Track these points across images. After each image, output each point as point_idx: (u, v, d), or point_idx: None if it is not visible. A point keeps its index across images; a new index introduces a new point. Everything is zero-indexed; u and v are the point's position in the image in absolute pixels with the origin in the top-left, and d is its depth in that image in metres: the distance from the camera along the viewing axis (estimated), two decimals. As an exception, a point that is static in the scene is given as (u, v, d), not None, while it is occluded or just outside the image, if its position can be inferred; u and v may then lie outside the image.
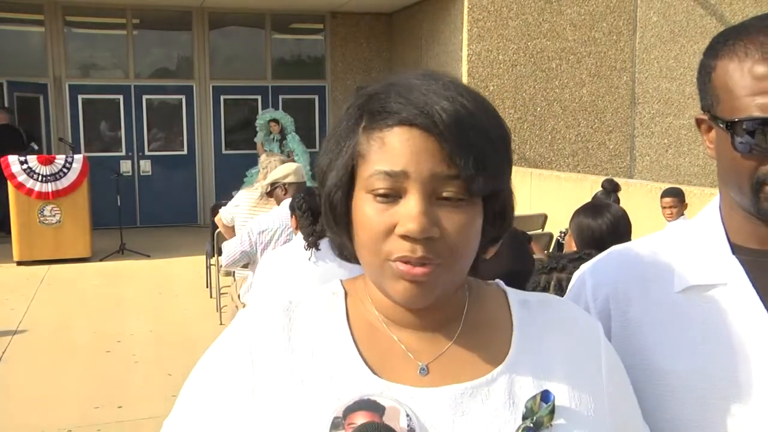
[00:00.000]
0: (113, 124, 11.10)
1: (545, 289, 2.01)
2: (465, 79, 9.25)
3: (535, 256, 3.98)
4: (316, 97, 11.75)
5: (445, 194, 0.79)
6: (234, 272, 5.41)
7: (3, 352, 5.41)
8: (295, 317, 0.88)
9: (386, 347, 0.86)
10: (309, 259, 3.10)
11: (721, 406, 0.95)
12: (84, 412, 4.29)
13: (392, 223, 0.79)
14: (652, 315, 1.02)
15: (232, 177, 10.39)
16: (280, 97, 11.56)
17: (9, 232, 8.58)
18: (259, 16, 11.38)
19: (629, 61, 10.06)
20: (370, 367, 0.83)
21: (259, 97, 11.46)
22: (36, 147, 9.73)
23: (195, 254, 8.45)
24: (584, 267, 1.12)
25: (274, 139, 10.12)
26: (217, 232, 6.10)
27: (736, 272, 0.98)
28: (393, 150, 0.79)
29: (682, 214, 5.37)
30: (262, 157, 5.91)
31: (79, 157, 8.53)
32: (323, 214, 0.88)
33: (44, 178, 8.32)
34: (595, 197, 5.73)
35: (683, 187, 5.77)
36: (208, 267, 7.26)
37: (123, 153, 11.07)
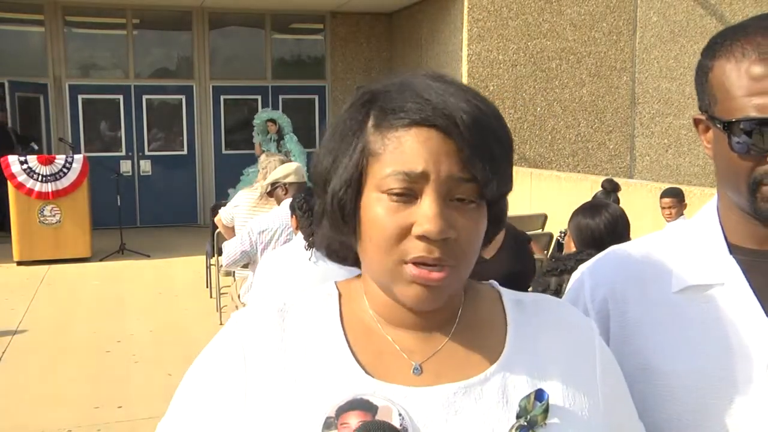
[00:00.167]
0: (113, 124, 11.10)
1: (557, 292, 2.01)
2: (465, 79, 9.25)
3: (534, 257, 3.98)
4: (316, 97, 11.76)
5: (458, 196, 0.80)
6: (234, 272, 5.42)
7: (3, 352, 5.41)
8: (288, 318, 0.88)
9: (380, 347, 0.86)
10: (309, 259, 3.10)
11: (719, 406, 0.95)
12: (84, 412, 4.29)
13: (407, 223, 0.79)
14: (650, 315, 1.02)
15: (232, 177, 10.38)
16: (280, 97, 11.56)
17: (9, 232, 8.58)
18: (259, 16, 11.38)
19: (629, 61, 10.06)
20: (363, 367, 0.83)
21: (259, 97, 11.46)
22: (36, 147, 9.73)
23: (195, 254, 8.45)
24: (582, 268, 1.13)
25: (271, 139, 10.11)
26: (217, 232, 6.10)
27: (734, 272, 0.98)
28: (412, 150, 0.79)
29: (682, 215, 5.37)
30: (262, 157, 5.91)
31: (79, 157, 8.53)
32: (328, 214, 0.86)
33: (44, 178, 8.32)
34: (595, 197, 5.73)
35: (683, 187, 5.77)
36: (208, 267, 7.26)
37: (123, 153, 11.07)
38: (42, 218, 8.38)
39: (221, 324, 5.94)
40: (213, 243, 6.45)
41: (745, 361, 0.95)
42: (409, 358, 0.85)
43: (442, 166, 0.78)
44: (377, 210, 0.80)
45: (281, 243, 4.33)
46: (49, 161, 8.39)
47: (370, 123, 0.82)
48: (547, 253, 5.71)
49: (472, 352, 0.86)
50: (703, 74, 0.98)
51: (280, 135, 10.10)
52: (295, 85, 11.65)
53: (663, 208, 5.45)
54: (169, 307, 6.74)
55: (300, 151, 9.88)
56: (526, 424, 0.80)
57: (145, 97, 11.09)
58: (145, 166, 11.16)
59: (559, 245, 5.73)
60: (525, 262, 3.51)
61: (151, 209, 11.16)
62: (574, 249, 2.74)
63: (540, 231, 6.38)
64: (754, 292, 0.96)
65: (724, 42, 0.95)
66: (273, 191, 4.74)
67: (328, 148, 0.86)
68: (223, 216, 5.46)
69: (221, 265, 5.39)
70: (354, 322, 0.88)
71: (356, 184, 0.82)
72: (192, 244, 9.15)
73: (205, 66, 11.28)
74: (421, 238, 0.78)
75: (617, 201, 5.48)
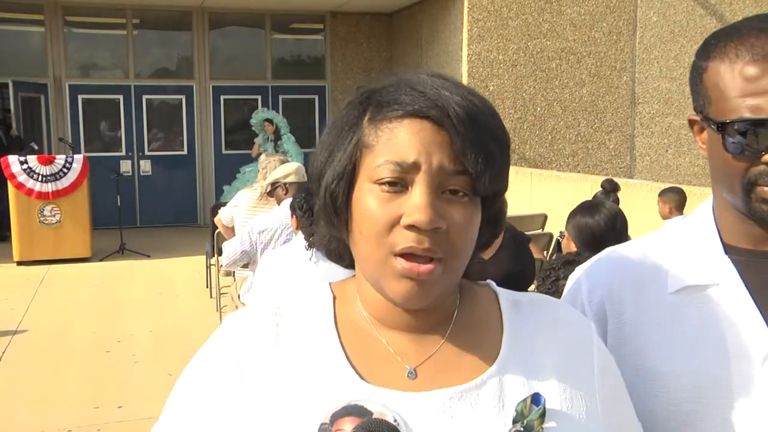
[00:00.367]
0: (113, 124, 11.10)
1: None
2: (465, 79, 9.25)
3: (534, 257, 3.98)
4: (316, 97, 11.76)
5: (450, 188, 0.79)
6: (234, 272, 5.41)
7: (3, 352, 5.41)
8: (282, 322, 0.87)
9: (374, 351, 0.85)
10: (309, 259, 3.10)
11: (716, 406, 0.96)
12: (84, 412, 4.29)
13: (397, 214, 0.78)
14: (647, 316, 1.02)
15: (231, 177, 10.38)
16: (280, 97, 11.56)
17: (9, 232, 8.58)
18: (259, 16, 11.38)
19: (629, 61, 10.06)
20: (357, 372, 0.82)
21: (259, 97, 11.46)
22: (36, 147, 9.73)
23: (195, 254, 8.45)
24: (579, 270, 1.13)
25: (268, 139, 10.11)
26: (217, 232, 6.10)
27: (729, 272, 0.99)
28: (404, 141, 0.79)
29: (681, 214, 5.37)
30: (262, 157, 5.91)
31: (79, 157, 8.53)
32: (321, 207, 0.86)
33: (44, 178, 8.32)
34: (595, 197, 5.73)
35: (683, 187, 5.77)
36: (208, 267, 7.26)
37: (123, 153, 11.07)
38: (42, 218, 8.38)
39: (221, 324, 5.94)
40: (213, 243, 6.45)
41: (741, 361, 0.95)
42: (404, 362, 0.84)
43: (434, 156, 0.78)
44: (368, 200, 0.80)
45: (281, 243, 4.33)
46: (49, 161, 8.39)
47: (366, 118, 0.83)
48: (547, 253, 5.72)
49: (468, 354, 0.85)
50: (697, 75, 0.99)
51: (277, 135, 10.10)
52: (295, 85, 11.66)
53: (664, 208, 5.44)
54: (169, 307, 6.74)
55: (297, 152, 9.88)
56: (522, 429, 0.79)
57: (145, 97, 11.09)
58: (145, 166, 11.16)
59: (559, 245, 5.73)
60: (525, 263, 3.51)
61: (151, 209, 11.16)
62: (573, 249, 2.75)
63: (540, 231, 6.38)
64: (750, 292, 0.97)
65: (718, 43, 0.96)
66: (273, 191, 4.74)
67: (325, 144, 0.86)
68: (223, 216, 5.46)
69: (221, 265, 5.39)
70: (348, 325, 0.87)
71: (349, 177, 0.82)
72: (192, 244, 9.15)
73: (205, 66, 11.29)
74: (411, 228, 0.78)
75: (617, 201, 5.47)
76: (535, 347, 0.87)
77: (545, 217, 6.83)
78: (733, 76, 0.92)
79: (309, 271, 3.08)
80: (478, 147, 0.79)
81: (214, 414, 0.83)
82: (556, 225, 6.25)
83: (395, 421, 0.79)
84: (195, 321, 6.18)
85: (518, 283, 3.15)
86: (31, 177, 8.29)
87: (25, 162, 8.26)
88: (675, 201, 5.41)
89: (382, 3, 10.97)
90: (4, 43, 10.59)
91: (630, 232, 2.97)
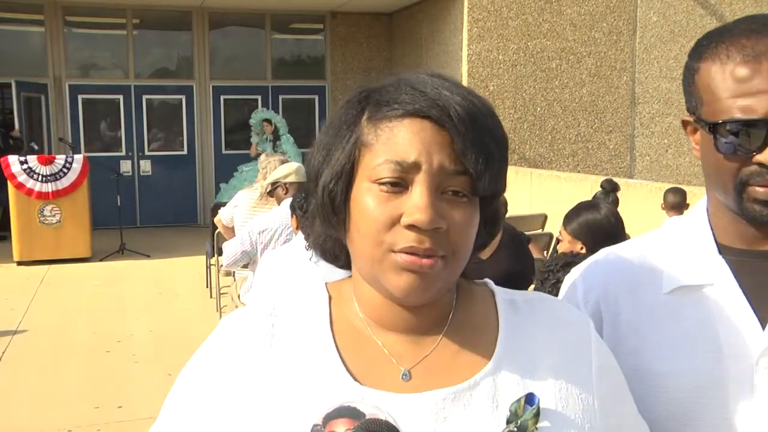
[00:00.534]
0: (113, 124, 11.10)
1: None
2: (465, 79, 9.25)
3: (534, 257, 3.98)
4: (316, 97, 11.75)
5: (450, 189, 0.79)
6: (234, 272, 5.42)
7: (3, 352, 5.41)
8: (278, 323, 0.87)
9: (369, 352, 0.85)
10: (310, 259, 3.10)
11: (711, 405, 0.96)
12: (84, 412, 4.29)
13: (397, 213, 0.78)
14: (642, 317, 1.03)
15: (231, 177, 10.39)
16: (280, 97, 11.56)
17: (9, 232, 8.58)
18: (259, 16, 11.38)
19: (629, 61, 10.06)
20: (351, 374, 0.82)
21: (259, 97, 11.46)
22: (36, 147, 9.73)
23: (195, 254, 8.45)
24: (575, 271, 1.14)
25: (267, 139, 10.11)
26: (217, 232, 6.10)
27: (723, 272, 0.99)
28: (404, 140, 0.79)
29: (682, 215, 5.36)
30: (262, 157, 5.91)
31: (79, 157, 8.53)
32: (318, 206, 0.86)
33: (44, 178, 8.32)
34: (594, 197, 5.73)
35: (683, 187, 5.77)
36: (208, 267, 7.26)
37: (123, 153, 11.07)
38: (42, 218, 8.38)
39: (221, 324, 5.94)
40: (213, 243, 6.45)
41: (735, 361, 0.96)
42: (398, 364, 0.84)
43: (434, 156, 0.78)
44: (367, 200, 0.80)
45: (281, 243, 4.33)
46: (49, 161, 8.39)
47: (365, 117, 0.83)
48: (547, 253, 5.71)
49: (463, 355, 0.85)
50: (690, 76, 1.00)
51: (276, 136, 10.10)
52: (295, 85, 11.65)
53: (666, 208, 5.44)
54: (169, 307, 6.74)
55: (295, 153, 9.88)
56: (516, 429, 0.79)
57: (145, 97, 11.09)
58: (145, 166, 11.16)
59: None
60: (524, 262, 3.51)
61: (151, 209, 11.16)
62: (578, 249, 2.75)
63: (540, 231, 6.38)
64: (744, 291, 0.97)
65: (710, 44, 0.96)
66: (273, 191, 4.74)
67: (322, 143, 0.86)
68: (223, 216, 5.46)
69: (221, 265, 5.39)
70: (343, 326, 0.87)
71: (347, 176, 0.82)
72: (192, 244, 9.15)
73: (205, 66, 11.29)
74: (411, 227, 0.77)
75: (616, 201, 5.47)
76: (532, 346, 0.87)
77: (545, 217, 6.83)
78: (724, 77, 0.93)
79: (309, 271, 3.08)
80: (478, 147, 0.79)
81: (209, 415, 0.84)
82: (556, 225, 6.25)
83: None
84: (195, 321, 6.18)
85: (518, 284, 3.15)
86: (31, 177, 8.29)
87: (25, 162, 8.26)
88: (676, 202, 5.41)
89: (382, 3, 10.97)
90: (4, 43, 10.59)
91: (630, 232, 2.97)
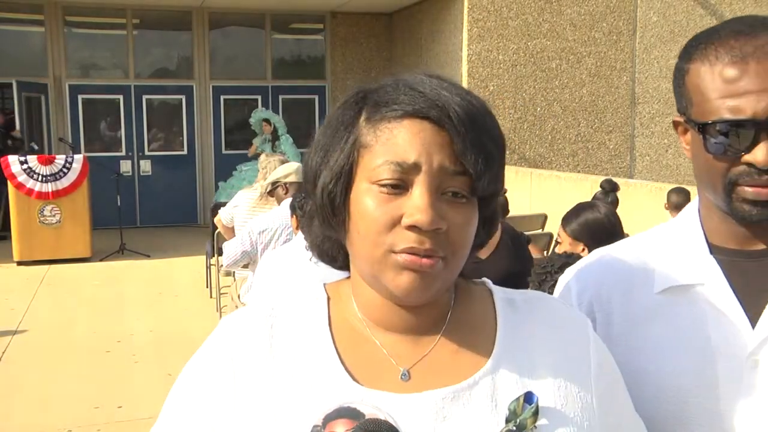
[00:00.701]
0: (113, 124, 11.10)
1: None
2: (465, 79, 9.26)
3: (534, 257, 3.98)
4: (316, 97, 11.76)
5: (449, 190, 0.79)
6: (234, 272, 5.42)
7: (3, 352, 5.41)
8: (277, 323, 0.87)
9: (368, 352, 0.85)
10: (310, 259, 3.09)
11: (702, 404, 0.97)
12: (84, 412, 4.29)
13: (397, 214, 0.78)
14: (634, 317, 1.04)
15: (231, 177, 10.38)
16: (280, 97, 11.56)
17: (9, 232, 8.58)
18: (259, 16, 11.38)
19: (629, 61, 10.06)
20: (350, 374, 0.82)
21: (259, 97, 11.46)
22: (36, 147, 9.72)
23: (195, 254, 8.46)
24: (569, 272, 1.15)
25: (266, 139, 10.11)
26: (217, 232, 6.10)
27: (714, 272, 1.00)
28: (404, 141, 0.79)
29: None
30: (262, 157, 5.92)
31: (79, 157, 8.53)
32: (317, 207, 0.86)
33: (44, 178, 8.32)
34: (594, 197, 5.73)
35: (686, 187, 5.77)
36: (208, 267, 7.26)
37: (123, 153, 11.07)
38: (42, 218, 8.38)
39: (221, 324, 5.94)
40: (213, 243, 6.45)
41: (726, 360, 0.97)
42: (397, 364, 0.84)
43: (434, 157, 0.78)
44: (367, 201, 0.79)
45: (281, 243, 4.33)
46: (49, 161, 8.39)
47: (363, 117, 0.82)
48: (547, 253, 5.72)
49: (462, 354, 0.85)
50: (680, 77, 1.01)
51: (275, 136, 10.09)
52: (295, 85, 11.66)
53: (669, 208, 5.43)
54: (169, 307, 6.75)
55: (294, 153, 9.87)
56: (515, 428, 0.79)
57: (145, 97, 11.09)
58: (145, 166, 11.16)
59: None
60: (524, 262, 3.51)
61: (151, 209, 11.16)
62: (579, 250, 2.75)
63: (540, 231, 6.38)
64: (734, 291, 0.98)
65: (699, 45, 0.97)
66: (273, 191, 4.74)
67: (320, 144, 0.85)
68: (223, 216, 5.46)
69: (221, 265, 5.39)
70: (342, 326, 0.87)
71: (347, 177, 0.82)
72: (192, 244, 9.15)
73: (205, 66, 11.29)
74: (412, 228, 0.77)
75: (616, 201, 5.47)
76: (531, 345, 0.87)
77: (545, 217, 6.83)
78: (713, 78, 0.94)
79: (309, 272, 3.07)
80: (477, 148, 0.79)
81: (210, 415, 0.84)
82: (556, 225, 6.25)
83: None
84: (195, 321, 6.18)
85: (517, 284, 3.15)
86: (31, 177, 8.29)
87: (25, 162, 8.26)
88: (679, 202, 5.41)
89: (382, 3, 10.97)
90: (4, 43, 10.59)
91: (630, 233, 2.97)
